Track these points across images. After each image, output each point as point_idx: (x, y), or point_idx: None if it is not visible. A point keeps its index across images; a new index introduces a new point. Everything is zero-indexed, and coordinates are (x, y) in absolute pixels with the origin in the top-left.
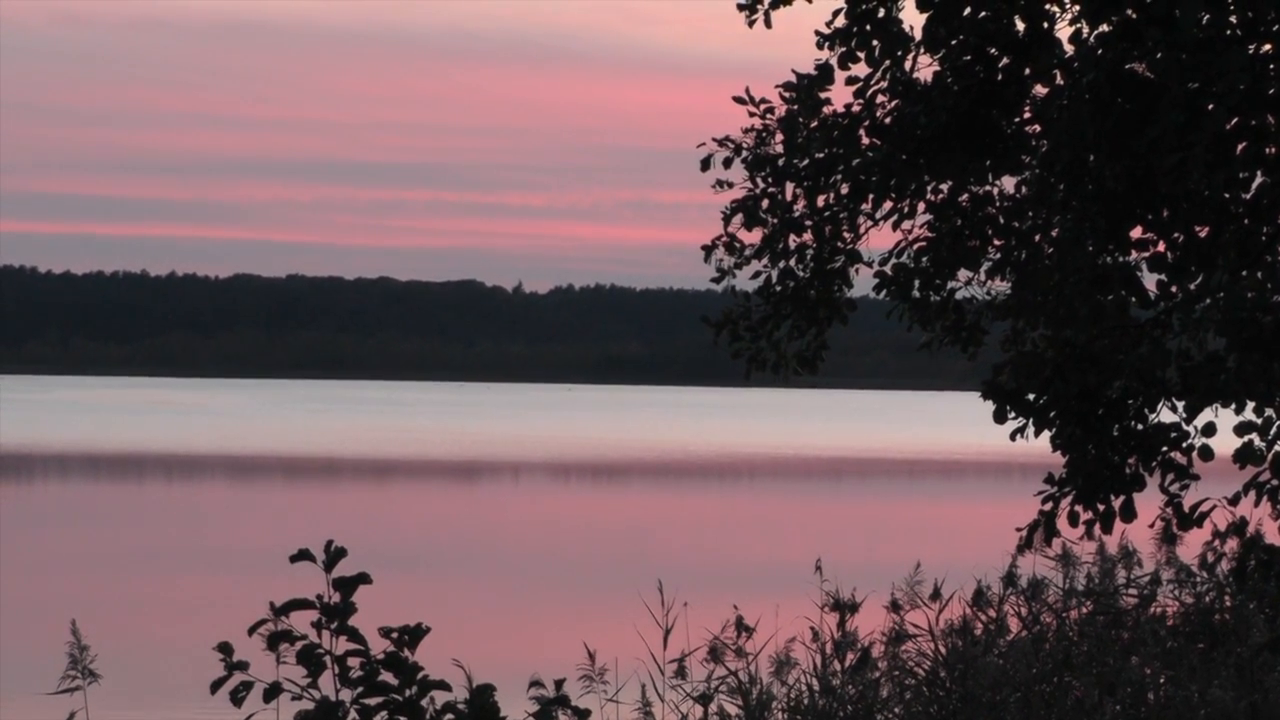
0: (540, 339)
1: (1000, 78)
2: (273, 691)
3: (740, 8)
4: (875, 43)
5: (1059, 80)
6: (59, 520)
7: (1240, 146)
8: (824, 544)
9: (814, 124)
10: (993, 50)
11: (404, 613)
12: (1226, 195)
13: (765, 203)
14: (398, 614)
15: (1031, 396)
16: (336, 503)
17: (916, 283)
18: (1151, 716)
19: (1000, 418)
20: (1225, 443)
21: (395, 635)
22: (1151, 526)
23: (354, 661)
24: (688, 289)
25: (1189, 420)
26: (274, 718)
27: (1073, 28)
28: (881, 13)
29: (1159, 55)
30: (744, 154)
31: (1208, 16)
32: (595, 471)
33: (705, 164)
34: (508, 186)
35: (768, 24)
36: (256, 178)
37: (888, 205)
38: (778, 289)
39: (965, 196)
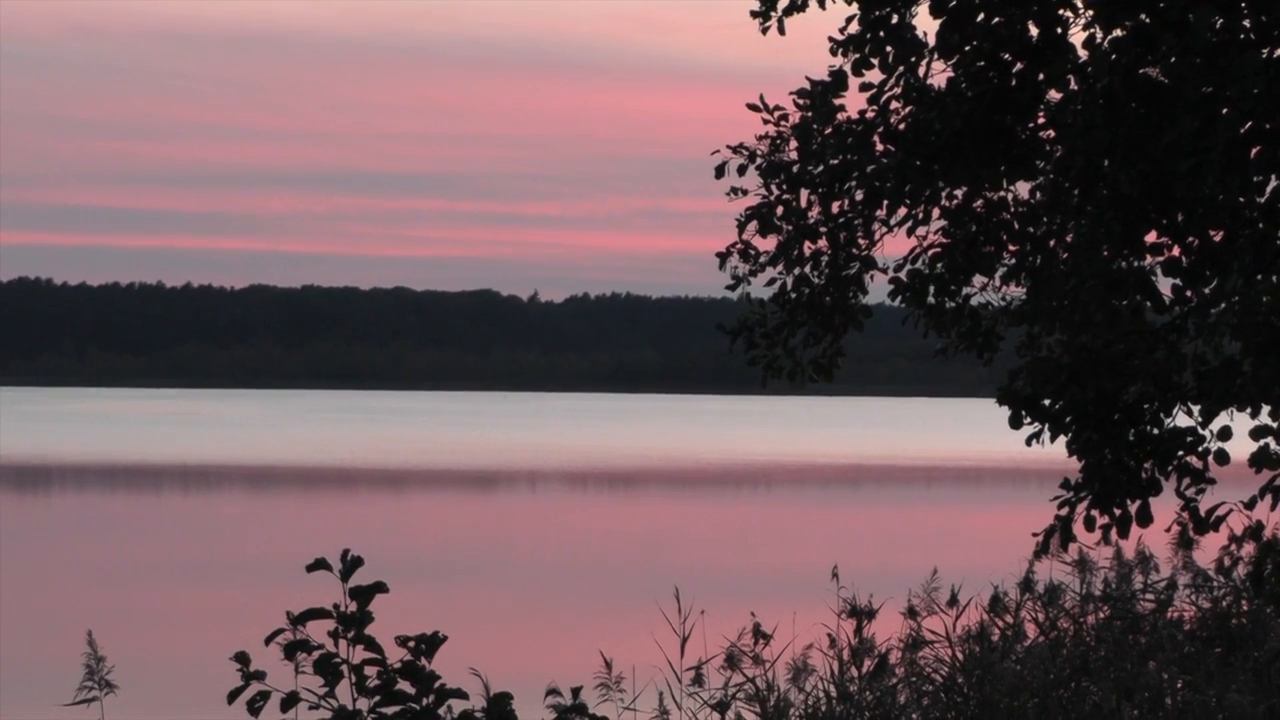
0: (556, 348)
1: (1014, 83)
2: (290, 701)
3: (754, 15)
4: (889, 49)
5: (1073, 85)
6: (75, 531)
7: (1255, 151)
8: (841, 550)
9: (828, 130)
10: (1006, 56)
11: (421, 621)
12: (1241, 200)
13: (780, 209)
14: (414, 623)
15: (1047, 402)
16: (352, 512)
17: (932, 289)
18: None
19: (1016, 423)
20: (1241, 447)
21: (412, 644)
22: (1168, 531)
23: (371, 670)
24: (703, 297)
25: (1205, 425)
26: None
27: (1086, 32)
28: (895, 19)
29: (1173, 60)
30: (758, 161)
31: (1221, 21)
32: (611, 479)
33: (720, 171)
34: (523, 196)
35: (781, 31)
36: (271, 188)
37: (902, 211)
38: (793, 296)
39: (980, 202)
